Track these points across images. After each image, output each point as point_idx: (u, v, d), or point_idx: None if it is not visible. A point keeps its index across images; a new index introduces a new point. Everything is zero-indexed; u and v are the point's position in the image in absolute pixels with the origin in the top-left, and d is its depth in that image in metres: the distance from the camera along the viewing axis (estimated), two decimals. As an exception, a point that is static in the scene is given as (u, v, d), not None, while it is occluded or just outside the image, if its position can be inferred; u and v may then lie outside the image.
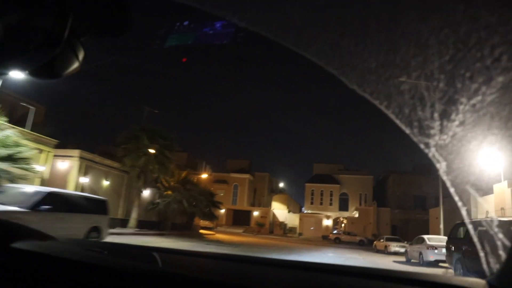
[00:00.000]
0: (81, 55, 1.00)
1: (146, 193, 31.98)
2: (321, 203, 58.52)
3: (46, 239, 1.52)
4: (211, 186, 61.82)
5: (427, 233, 25.25)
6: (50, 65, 0.94)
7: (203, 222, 46.89)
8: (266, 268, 1.53)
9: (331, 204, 58.21)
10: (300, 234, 51.79)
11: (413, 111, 1.12)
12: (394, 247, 28.27)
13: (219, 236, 36.17)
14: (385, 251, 28.82)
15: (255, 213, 53.62)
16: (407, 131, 1.12)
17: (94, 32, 1.00)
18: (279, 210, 56.12)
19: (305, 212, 56.11)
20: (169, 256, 1.71)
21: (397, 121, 1.14)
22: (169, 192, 31.75)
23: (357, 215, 51.22)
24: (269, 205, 59.21)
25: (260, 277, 1.33)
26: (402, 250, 25.71)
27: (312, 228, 52.14)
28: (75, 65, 1.00)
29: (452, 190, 1.10)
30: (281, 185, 70.57)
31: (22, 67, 0.95)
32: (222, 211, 53.60)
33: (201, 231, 41.16)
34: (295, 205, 67.33)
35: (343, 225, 53.42)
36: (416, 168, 56.38)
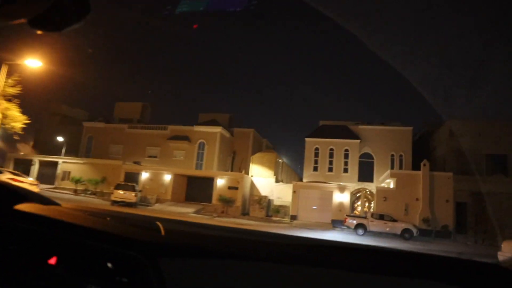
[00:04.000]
0: (85, 10, 0.96)
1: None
2: (330, 169, 36.24)
3: (49, 203, 1.50)
4: (164, 144, 40.20)
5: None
6: (50, 16, 0.91)
7: (117, 193, 24.88)
8: (266, 241, 1.51)
9: (346, 170, 35.95)
10: (293, 217, 29.51)
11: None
12: None
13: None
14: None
15: (219, 182, 31.36)
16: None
17: None
18: (262, 179, 33.78)
19: (304, 181, 33.51)
20: (173, 226, 1.68)
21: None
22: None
23: (393, 186, 28.68)
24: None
25: (259, 249, 1.33)
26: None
27: (314, 207, 29.93)
28: (79, 19, 0.96)
29: None
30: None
31: (20, 13, 0.89)
32: (167, 177, 31.34)
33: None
34: (290, 175, 44.87)
35: (367, 204, 31.05)
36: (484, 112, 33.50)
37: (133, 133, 43.24)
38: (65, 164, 37.92)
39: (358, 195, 32.10)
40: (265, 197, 31.79)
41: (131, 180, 34.22)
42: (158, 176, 34.12)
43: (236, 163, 43.11)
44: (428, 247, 21.73)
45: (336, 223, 28.89)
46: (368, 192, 31.27)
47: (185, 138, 41.11)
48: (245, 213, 31.58)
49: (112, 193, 27.38)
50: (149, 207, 30.14)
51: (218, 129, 40.67)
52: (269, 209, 31.77)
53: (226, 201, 30.55)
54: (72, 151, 41.83)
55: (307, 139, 37.62)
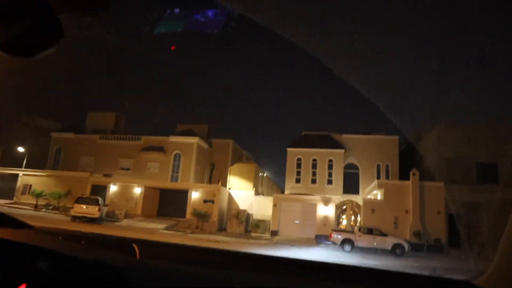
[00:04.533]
0: (58, 34, 0.94)
1: None
2: (313, 181, 34.06)
3: (21, 227, 1.48)
4: (138, 156, 37.30)
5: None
6: (23, 41, 0.89)
7: (79, 208, 22.08)
8: (246, 262, 1.50)
9: (330, 182, 33.81)
10: (274, 232, 26.99)
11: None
12: None
13: None
14: None
15: (194, 194, 28.70)
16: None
17: (72, 8, 0.94)
18: (241, 191, 31.26)
19: (285, 194, 31.12)
20: (148, 248, 1.61)
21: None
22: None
23: (381, 197, 26.59)
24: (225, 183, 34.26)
25: (238, 269, 1.32)
26: None
27: (297, 221, 27.49)
28: (52, 43, 0.94)
29: None
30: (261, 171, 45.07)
31: None
32: (137, 190, 28.59)
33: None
34: (272, 188, 42.47)
35: (354, 218, 28.85)
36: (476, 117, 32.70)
37: (105, 144, 40.38)
38: (26, 177, 34.65)
39: (343, 208, 29.84)
40: (244, 211, 29.23)
41: (98, 193, 31.28)
42: (127, 189, 31.27)
43: (215, 176, 40.53)
44: (422, 263, 19.57)
45: (321, 239, 26.51)
46: (355, 205, 29.04)
47: (160, 149, 38.44)
48: (222, 229, 28.91)
49: (72, 207, 24.40)
50: (116, 223, 27.21)
51: (194, 140, 38.13)
52: (248, 224, 29.17)
53: (201, 216, 27.85)
54: (41, 163, 38.69)
55: (288, 149, 35.39)
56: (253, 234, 27.65)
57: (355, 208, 28.97)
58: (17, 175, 34.94)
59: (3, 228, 1.30)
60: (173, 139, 38.61)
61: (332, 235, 23.30)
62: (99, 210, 24.56)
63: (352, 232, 23.52)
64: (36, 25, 0.85)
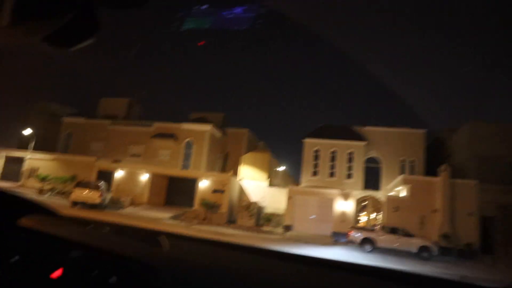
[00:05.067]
0: (95, 27, 0.98)
1: None
2: (331, 174, 31.75)
3: (53, 215, 1.52)
4: (148, 143, 35.73)
5: None
6: (63, 33, 0.93)
7: (79, 193, 20.47)
8: (270, 260, 1.47)
9: (349, 176, 31.43)
10: (287, 227, 24.87)
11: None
12: None
13: None
14: None
15: (203, 184, 26.77)
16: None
17: (113, 1, 0.96)
18: (253, 182, 29.21)
19: (301, 186, 28.88)
20: (175, 241, 1.61)
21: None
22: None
23: (406, 194, 24.14)
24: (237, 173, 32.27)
25: (261, 268, 1.31)
26: None
27: (312, 216, 25.23)
28: (90, 36, 0.98)
29: None
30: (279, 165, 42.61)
31: (33, 31, 0.91)
32: (144, 177, 26.90)
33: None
34: (287, 182, 40.24)
35: (375, 215, 26.50)
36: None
37: (116, 130, 38.97)
38: (33, 160, 33.40)
39: (363, 204, 27.42)
40: (255, 203, 27.16)
41: (105, 179, 29.83)
42: (134, 176, 29.63)
43: (229, 166, 38.61)
44: (452, 270, 17.15)
45: (338, 236, 24.26)
46: (376, 201, 26.59)
47: (171, 136, 36.72)
48: (231, 221, 26.95)
49: (72, 192, 22.80)
50: (120, 210, 25.55)
51: (207, 127, 36.23)
52: (260, 217, 27.10)
53: (210, 206, 25.95)
54: (53, 149, 37.68)
55: (306, 140, 33.10)
56: (264, 228, 25.60)
57: (376, 205, 26.54)
58: (24, 158, 33.76)
59: (36, 216, 1.33)
60: (185, 126, 36.83)
61: (351, 233, 21.03)
62: (100, 196, 22.89)
63: (373, 230, 21.17)
64: (76, 18, 0.86)
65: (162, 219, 23.89)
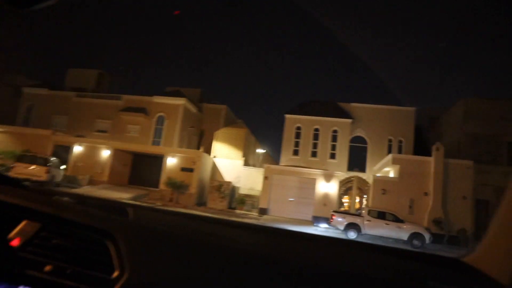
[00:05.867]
0: None
1: None
2: (313, 154, 29.14)
3: (15, 185, 1.48)
4: (116, 117, 32.31)
5: None
6: None
7: (21, 168, 16.90)
8: (233, 230, 1.49)
9: (333, 156, 28.86)
10: (263, 210, 22.21)
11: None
12: None
13: None
14: None
15: (170, 161, 23.78)
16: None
17: None
18: (227, 160, 26.27)
19: (279, 165, 26.09)
20: (142, 212, 1.60)
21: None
22: None
23: (394, 174, 21.68)
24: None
25: (226, 237, 1.32)
26: None
27: (291, 199, 22.65)
28: None
29: None
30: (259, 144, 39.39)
31: None
32: (105, 153, 23.63)
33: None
34: (267, 162, 37.45)
35: (359, 199, 24.03)
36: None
37: (81, 102, 35.39)
38: (-18, 133, 29.65)
39: (348, 186, 24.90)
40: (228, 183, 24.30)
41: (61, 155, 26.48)
42: (94, 152, 26.33)
43: (205, 145, 35.58)
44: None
45: (319, 221, 21.73)
46: (362, 183, 24.06)
47: (141, 110, 33.37)
48: (201, 203, 24.10)
49: (13, 167, 19.45)
50: (73, 190, 22.35)
51: (181, 101, 32.96)
52: (233, 199, 24.28)
53: (176, 186, 22.98)
54: (13, 123, 33.96)
55: (287, 116, 30.27)
56: (238, 211, 22.86)
57: (362, 187, 24.03)
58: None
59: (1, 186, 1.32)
60: (157, 99, 33.48)
61: (333, 217, 18.43)
62: (47, 172, 19.61)
63: (359, 215, 18.62)
64: None
65: (121, 199, 20.84)
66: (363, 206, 21.92)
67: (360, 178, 24.32)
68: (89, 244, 1.06)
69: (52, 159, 21.05)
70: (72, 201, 1.51)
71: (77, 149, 26.70)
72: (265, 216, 22.30)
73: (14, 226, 1.13)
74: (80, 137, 29.74)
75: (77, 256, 1.04)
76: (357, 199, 26.12)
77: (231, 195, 24.23)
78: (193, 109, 35.21)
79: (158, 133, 33.49)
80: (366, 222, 17.73)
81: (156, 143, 32.90)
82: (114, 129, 33.68)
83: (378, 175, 25.04)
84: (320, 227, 20.78)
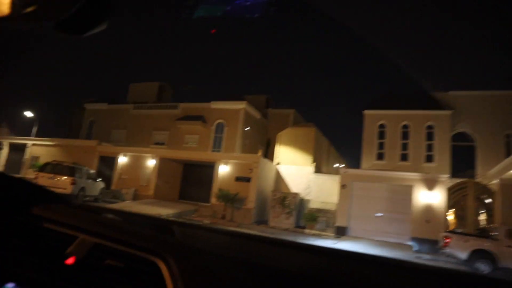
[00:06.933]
0: (107, 14, 0.95)
1: None
2: (403, 157, 22.76)
3: (67, 204, 1.48)
4: (173, 128, 29.32)
5: None
6: (75, 19, 0.89)
7: (44, 178, 13.38)
8: (278, 248, 1.39)
9: (429, 158, 22.21)
10: (340, 230, 16.50)
11: None
12: None
13: None
14: None
15: (222, 169, 19.30)
16: None
17: None
18: (293, 167, 21.10)
19: (359, 170, 20.17)
20: (188, 231, 1.57)
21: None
22: None
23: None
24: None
25: (270, 256, 1.24)
26: None
27: (379, 214, 16.48)
28: (102, 23, 0.95)
29: None
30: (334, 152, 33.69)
31: (45, 17, 0.88)
32: (151, 163, 20.03)
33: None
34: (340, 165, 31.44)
35: (476, 212, 17.12)
36: None
37: (139, 114, 33.23)
38: (35, 147, 28.12)
39: (457, 195, 18.13)
40: (294, 194, 19.02)
41: (108, 167, 23.62)
42: (139, 162, 22.86)
43: (271, 155, 30.91)
44: None
45: (423, 246, 15.45)
46: (480, 190, 17.22)
47: (198, 118, 29.89)
48: (261, 221, 19.08)
49: (35, 177, 16.35)
50: (110, 205, 18.81)
51: (241, 105, 28.85)
52: (301, 215, 18.89)
53: (229, 200, 18.29)
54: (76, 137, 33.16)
55: (366, 112, 24.36)
56: (307, 231, 17.43)
57: (480, 196, 17.20)
58: (25, 145, 28.67)
59: (51, 204, 1.32)
60: (215, 105, 29.77)
61: (448, 240, 12.26)
62: (72, 183, 16.17)
63: (489, 237, 12.22)
64: (88, 3, 0.85)
65: (161, 217, 16.74)
66: (493, 224, 15.12)
67: (478, 184, 17.51)
68: (137, 264, 1.02)
69: (82, 168, 17.76)
70: (118, 218, 1.47)
71: (122, 159, 23.53)
72: (344, 237, 16.61)
73: (68, 244, 1.09)
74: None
75: (128, 276, 1.01)
76: (480, 214, 19.18)
77: (299, 210, 18.91)
78: (256, 114, 30.90)
79: (217, 143, 29.68)
80: (505, 249, 11.34)
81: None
82: (171, 140, 30.69)
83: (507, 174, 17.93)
84: (424, 254, 14.56)
